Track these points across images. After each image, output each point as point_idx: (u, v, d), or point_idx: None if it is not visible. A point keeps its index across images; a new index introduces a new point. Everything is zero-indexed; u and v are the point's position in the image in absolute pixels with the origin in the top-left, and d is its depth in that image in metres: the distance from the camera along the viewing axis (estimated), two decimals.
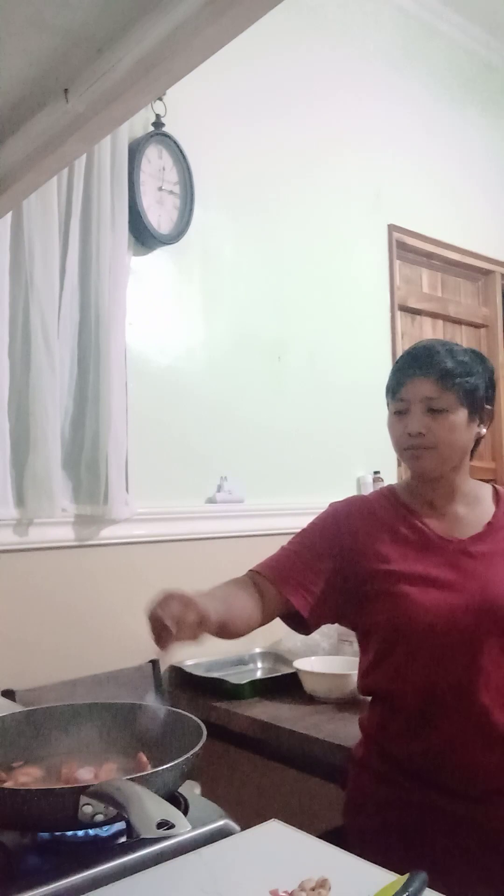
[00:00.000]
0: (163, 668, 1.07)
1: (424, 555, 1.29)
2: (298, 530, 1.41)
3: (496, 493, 1.38)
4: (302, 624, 1.33)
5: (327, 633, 2.14)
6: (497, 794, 1.23)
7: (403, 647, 1.26)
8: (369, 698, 1.38)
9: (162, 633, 1.04)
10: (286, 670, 2.08)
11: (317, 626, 1.35)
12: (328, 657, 2.09)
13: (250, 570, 1.34)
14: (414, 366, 1.29)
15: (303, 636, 1.44)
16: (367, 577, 1.29)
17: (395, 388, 1.31)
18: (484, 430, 1.34)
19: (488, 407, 1.33)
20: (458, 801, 1.22)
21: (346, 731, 1.62)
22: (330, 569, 1.31)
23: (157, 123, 2.21)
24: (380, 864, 0.87)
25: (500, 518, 1.33)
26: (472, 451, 1.36)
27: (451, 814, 1.22)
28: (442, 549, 1.29)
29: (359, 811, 1.33)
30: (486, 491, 1.38)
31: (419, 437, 1.26)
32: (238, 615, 1.23)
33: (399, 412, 1.30)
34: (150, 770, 0.97)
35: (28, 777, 1.05)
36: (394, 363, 1.35)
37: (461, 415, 1.27)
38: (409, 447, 1.29)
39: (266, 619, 1.30)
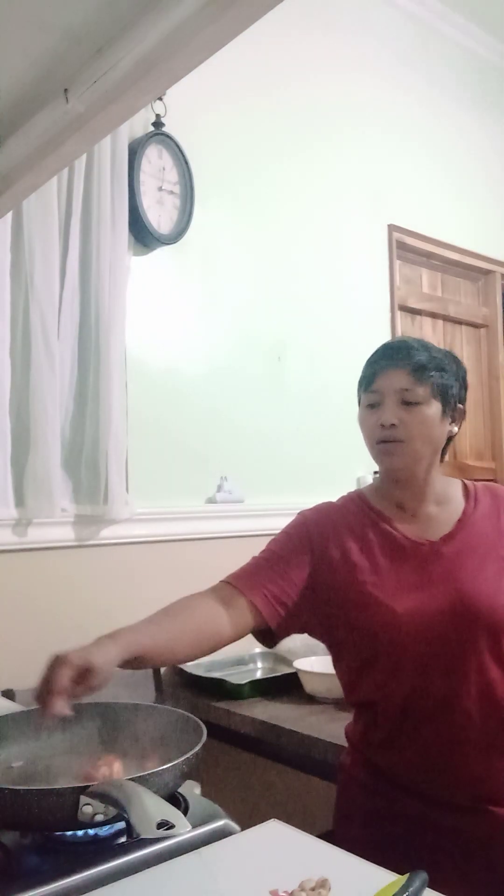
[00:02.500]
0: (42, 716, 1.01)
1: (396, 561, 1.26)
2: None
3: (466, 488, 1.34)
4: (269, 634, 1.29)
5: None
6: (483, 802, 1.20)
7: (382, 659, 1.23)
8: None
9: (46, 698, 0.97)
10: (286, 670, 2.08)
11: (283, 637, 1.31)
12: (328, 657, 2.08)
13: (220, 582, 1.29)
14: (388, 358, 1.26)
15: (301, 636, 1.42)
16: (338, 587, 1.27)
17: (368, 381, 1.28)
18: (456, 429, 1.32)
19: (460, 406, 1.31)
20: (444, 810, 1.21)
21: None
22: (300, 578, 1.28)
23: (157, 123, 2.21)
24: None
25: (470, 514, 1.29)
26: (443, 452, 1.33)
27: (437, 824, 1.21)
28: (413, 553, 1.26)
29: (347, 821, 1.31)
30: (457, 488, 1.34)
31: (392, 428, 1.23)
32: (184, 647, 1.18)
33: (371, 405, 1.27)
34: (150, 770, 0.97)
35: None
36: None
37: (435, 408, 1.25)
38: (382, 440, 1.25)
39: (236, 634, 1.23)
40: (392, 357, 1.26)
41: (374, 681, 1.26)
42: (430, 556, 1.25)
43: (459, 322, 3.36)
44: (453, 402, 1.29)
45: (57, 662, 1.00)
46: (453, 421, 1.31)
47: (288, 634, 1.32)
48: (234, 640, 1.24)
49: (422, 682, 1.21)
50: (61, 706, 0.97)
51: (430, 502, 1.31)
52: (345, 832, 1.31)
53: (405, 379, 1.24)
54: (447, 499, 1.32)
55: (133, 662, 1.08)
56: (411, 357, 1.25)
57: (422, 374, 1.24)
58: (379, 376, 1.26)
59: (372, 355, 1.31)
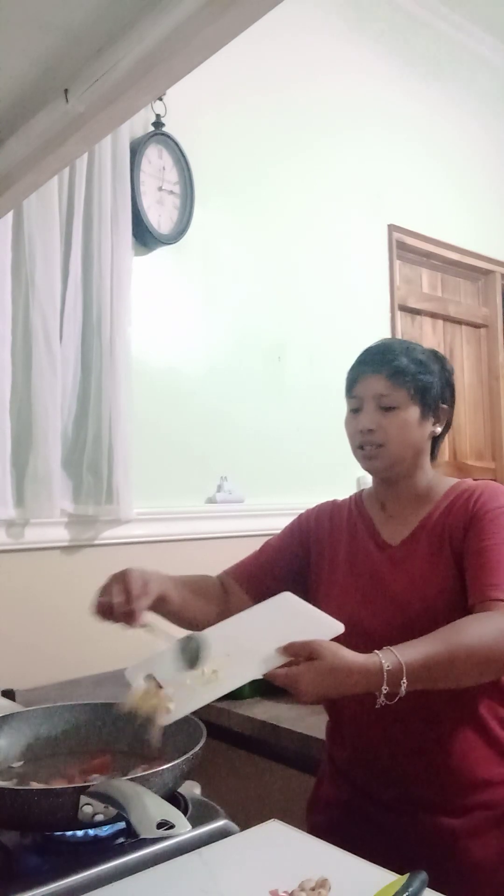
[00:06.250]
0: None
1: (358, 562, 1.30)
2: None
3: (451, 488, 1.30)
4: None
5: None
6: (412, 804, 1.20)
7: None
8: None
9: (132, 603, 1.10)
10: None
11: None
12: None
13: (221, 573, 1.39)
14: (367, 363, 1.29)
15: None
16: (314, 583, 1.34)
17: (349, 386, 1.32)
18: (439, 429, 1.31)
19: (444, 406, 1.31)
20: (379, 807, 1.22)
21: None
22: (293, 572, 1.36)
23: (157, 123, 2.21)
24: None
25: (428, 518, 1.27)
26: (433, 452, 1.34)
27: (373, 819, 1.22)
28: (373, 556, 1.29)
29: (311, 809, 1.37)
30: (443, 488, 1.31)
31: (369, 433, 1.26)
32: (198, 604, 1.29)
33: (353, 410, 1.31)
34: (150, 770, 0.97)
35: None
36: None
37: (412, 412, 1.26)
38: (361, 445, 1.29)
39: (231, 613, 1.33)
40: (370, 362, 1.29)
41: None
42: (383, 561, 1.28)
43: (459, 322, 3.36)
44: (434, 403, 1.29)
45: (120, 577, 1.14)
46: (437, 422, 1.31)
47: None
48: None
49: None
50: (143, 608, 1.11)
51: (409, 504, 1.31)
52: (309, 820, 1.35)
53: (382, 384, 1.26)
54: (427, 501, 1.30)
55: (156, 601, 1.17)
56: (389, 362, 1.27)
57: (399, 379, 1.26)
58: (358, 382, 1.30)
59: (355, 360, 1.34)
